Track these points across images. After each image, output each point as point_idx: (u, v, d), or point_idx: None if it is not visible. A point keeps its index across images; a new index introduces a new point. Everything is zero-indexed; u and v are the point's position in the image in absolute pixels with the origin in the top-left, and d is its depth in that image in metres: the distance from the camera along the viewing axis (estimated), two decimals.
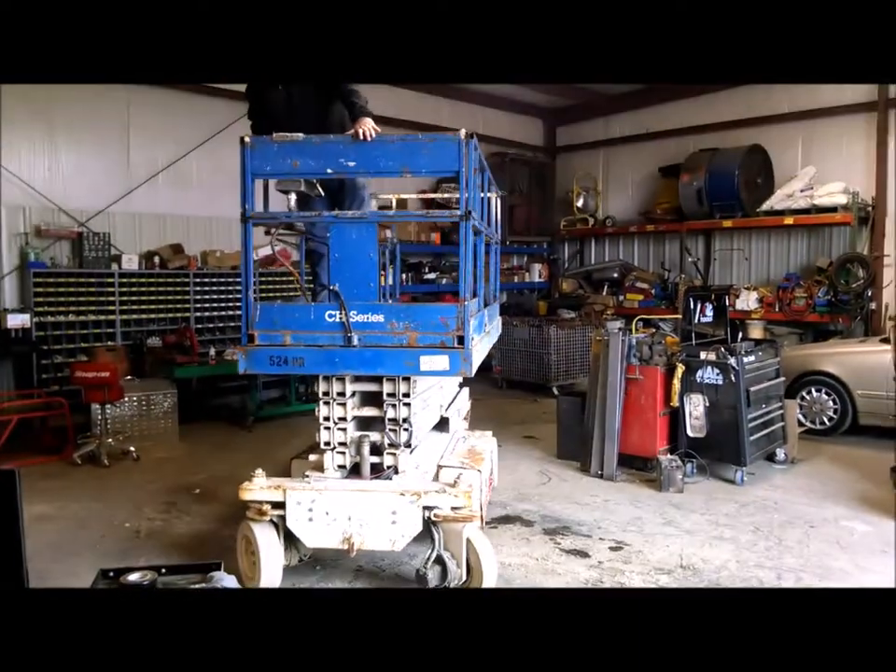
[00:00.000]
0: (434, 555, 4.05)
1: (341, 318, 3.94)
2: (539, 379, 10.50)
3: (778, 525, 5.45)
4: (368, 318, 3.96)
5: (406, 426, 4.21)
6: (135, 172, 9.71)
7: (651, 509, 5.80)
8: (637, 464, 6.74)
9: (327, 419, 4.19)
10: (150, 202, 9.79)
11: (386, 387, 4.17)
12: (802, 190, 10.48)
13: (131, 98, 9.53)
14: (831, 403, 8.00)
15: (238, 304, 9.77)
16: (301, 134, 3.90)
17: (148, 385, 8.26)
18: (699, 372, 6.50)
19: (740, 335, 7.85)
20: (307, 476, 4.22)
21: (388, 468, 4.24)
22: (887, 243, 10.18)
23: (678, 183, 11.62)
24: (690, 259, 11.90)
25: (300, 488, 4.06)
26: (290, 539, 4.21)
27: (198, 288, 9.52)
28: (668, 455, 6.46)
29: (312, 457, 4.45)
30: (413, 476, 4.29)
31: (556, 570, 4.65)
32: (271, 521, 4.11)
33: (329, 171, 4.00)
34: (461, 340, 3.92)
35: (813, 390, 8.10)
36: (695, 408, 6.52)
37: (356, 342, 3.93)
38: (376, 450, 4.28)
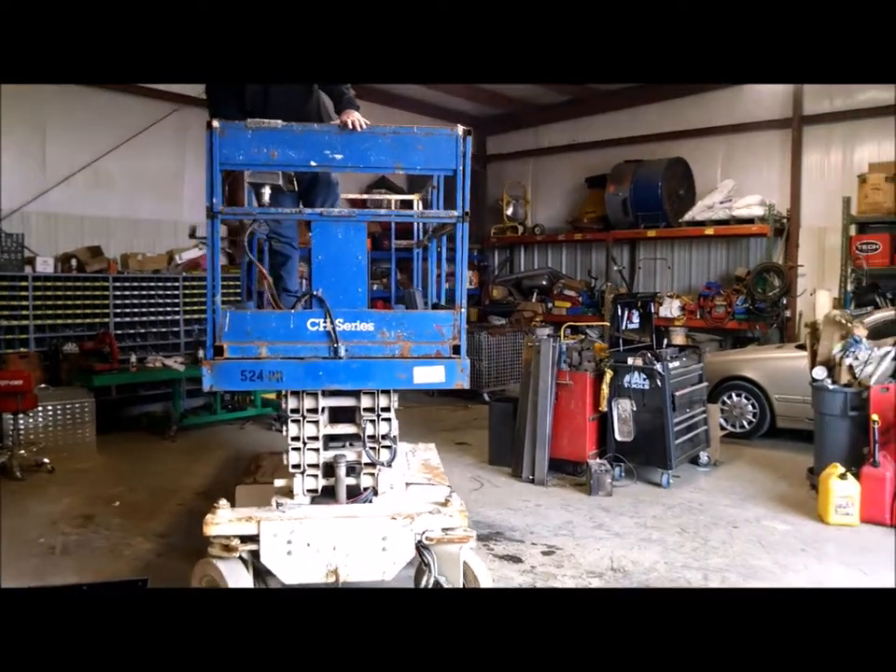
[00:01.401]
0: (431, 581, 3.76)
1: (326, 327, 3.59)
2: (471, 385, 10.51)
3: (703, 526, 5.59)
4: (356, 327, 3.63)
5: (387, 442, 3.86)
6: (52, 171, 9.30)
7: (582, 513, 5.87)
8: (567, 468, 6.82)
9: (296, 439, 3.76)
10: (68, 202, 9.40)
11: (365, 401, 3.82)
12: (721, 202, 10.86)
13: (48, 96, 9.13)
14: (750, 407, 8.29)
15: (162, 310, 9.49)
16: (279, 122, 3.52)
17: (64, 393, 7.87)
18: (627, 378, 6.63)
19: (665, 341, 8.05)
20: (280, 504, 3.77)
21: (365, 489, 3.90)
22: (800, 253, 10.65)
23: (604, 193, 11.88)
24: (616, 268, 12.17)
25: (276, 518, 3.62)
26: (259, 577, 3.80)
27: (118, 293, 9.13)
28: (598, 460, 6.56)
29: (278, 482, 3.95)
30: (394, 497, 3.99)
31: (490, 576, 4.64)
32: (240, 557, 3.64)
33: (312, 164, 3.62)
34: (457, 349, 3.69)
35: (733, 395, 8.38)
36: (623, 412, 6.64)
37: (343, 353, 3.59)
38: (348, 471, 3.93)
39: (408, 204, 6.13)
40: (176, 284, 9.62)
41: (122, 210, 9.78)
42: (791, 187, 10.74)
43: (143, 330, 9.43)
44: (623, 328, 7.35)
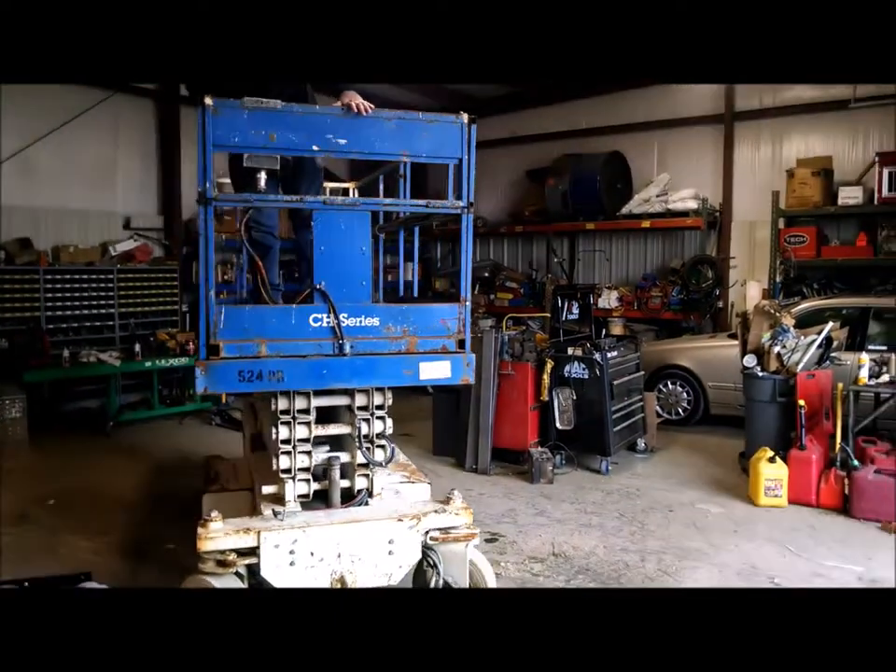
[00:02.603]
0: (441, 582, 3.64)
1: (329, 323, 3.39)
2: None
3: (641, 510, 5.76)
4: (360, 322, 3.45)
5: (382, 441, 3.70)
6: None
7: (524, 500, 5.97)
8: (509, 457, 6.92)
9: (287, 441, 3.52)
10: None
11: (359, 399, 3.63)
12: (657, 196, 11.10)
13: None
14: (685, 395, 8.55)
15: (96, 304, 9.23)
16: (279, 102, 3.28)
17: None
18: (567, 367, 6.76)
19: (603, 332, 8.23)
20: (278, 512, 3.51)
21: (359, 492, 3.72)
22: (732, 246, 10.99)
23: (544, 186, 12.02)
24: (556, 260, 12.34)
25: (276, 528, 3.39)
26: None
27: (49, 286, 8.83)
28: (539, 448, 6.68)
29: (266, 489, 3.66)
30: (389, 499, 3.83)
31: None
32: (236, 573, 3.40)
33: (315, 148, 3.37)
34: (462, 343, 3.60)
35: (669, 383, 8.63)
36: (564, 402, 6.77)
37: (348, 350, 3.40)
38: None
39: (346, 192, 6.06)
40: (111, 276, 9.36)
41: (52, 200, 9.45)
42: (723, 181, 11.05)
43: (76, 324, 9.16)
44: (564, 319, 7.49)
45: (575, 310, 7.68)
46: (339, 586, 3.42)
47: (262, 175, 3.50)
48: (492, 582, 3.83)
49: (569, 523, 5.47)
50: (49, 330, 8.62)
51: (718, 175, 11.11)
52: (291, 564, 3.38)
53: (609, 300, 11.40)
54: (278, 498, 3.60)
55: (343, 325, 3.40)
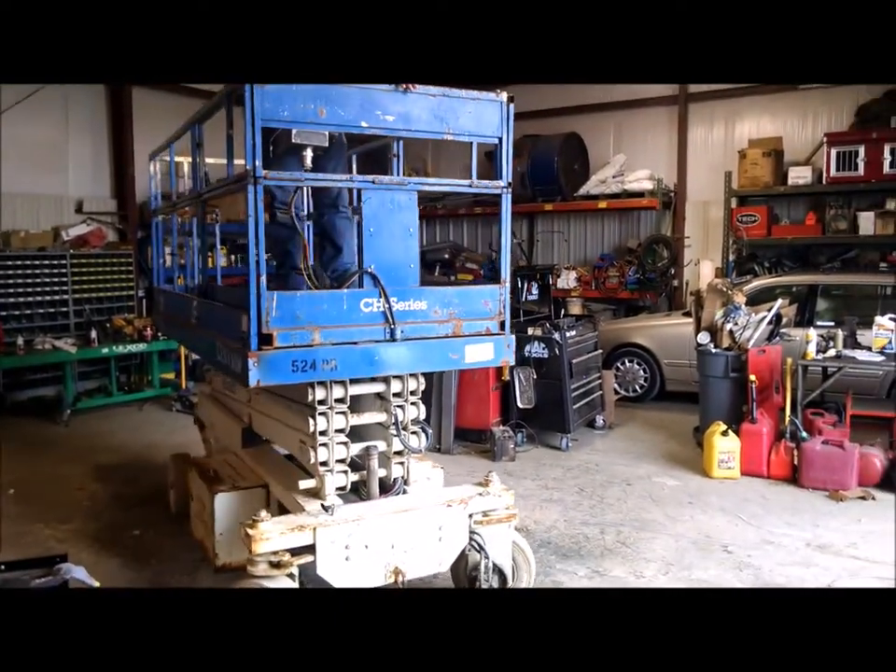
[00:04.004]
0: (490, 563, 3.60)
1: (380, 308, 3.28)
2: None
3: (600, 484, 5.92)
4: (409, 306, 3.34)
5: (416, 427, 3.62)
6: None
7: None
8: (472, 437, 7.02)
9: (324, 433, 3.38)
10: None
11: (395, 386, 3.54)
12: (614, 177, 11.24)
13: None
14: (642, 372, 8.74)
15: (49, 290, 9.04)
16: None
17: None
18: (527, 347, 6.86)
19: (562, 312, 8.35)
20: (328, 507, 3.37)
21: (395, 480, 3.63)
22: (686, 225, 11.21)
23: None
24: (515, 241, 12.42)
25: (331, 523, 3.26)
26: None
27: (0, 272, 8.65)
28: (501, 427, 6.79)
29: (304, 483, 3.50)
30: (426, 485, 3.78)
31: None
32: (289, 574, 3.23)
33: (363, 124, 3.17)
34: (503, 325, 3.58)
35: (626, 361, 8.81)
36: (524, 381, 6.88)
37: (399, 335, 3.31)
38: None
39: None
40: (64, 262, 9.17)
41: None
42: (677, 162, 11.24)
43: (29, 311, 8.96)
44: (523, 299, 7.59)
45: (534, 290, 7.78)
46: (393, 578, 3.36)
47: (309, 153, 3.40)
48: (533, 562, 3.87)
49: (531, 498, 5.59)
50: (1, 318, 8.44)
51: (672, 155, 11.30)
52: (347, 559, 3.28)
53: (567, 280, 11.54)
54: (315, 493, 3.48)
55: (394, 309, 3.30)
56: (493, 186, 3.60)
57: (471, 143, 3.53)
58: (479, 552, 3.61)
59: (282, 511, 3.71)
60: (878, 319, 6.32)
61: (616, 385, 8.45)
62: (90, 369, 9.10)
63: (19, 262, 8.79)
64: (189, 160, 4.77)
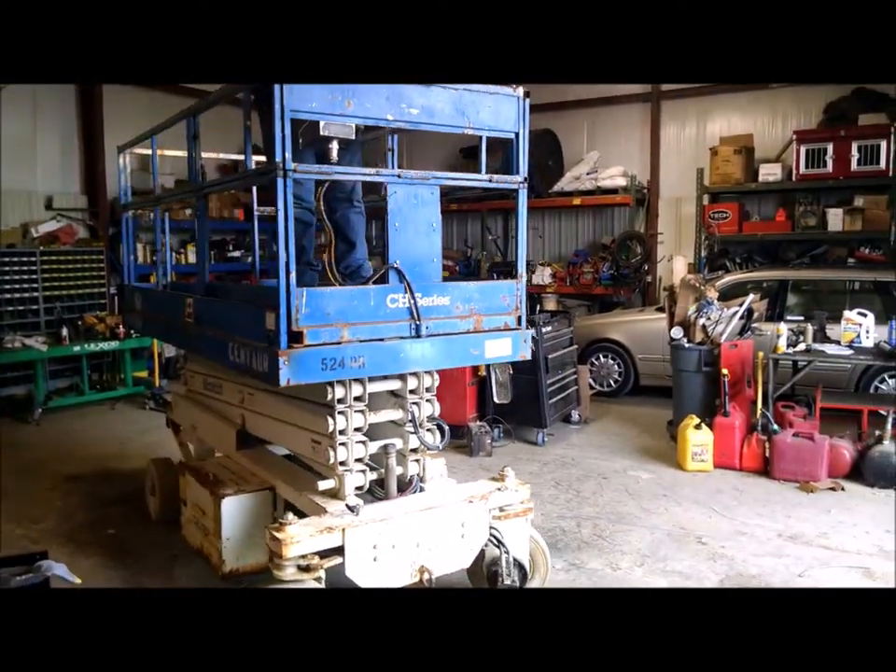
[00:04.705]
0: (511, 558, 3.60)
1: (406, 304, 3.25)
2: None
3: (576, 478, 5.97)
4: (433, 302, 3.33)
5: (431, 424, 3.62)
6: None
7: (464, 473, 6.10)
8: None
9: (342, 432, 3.35)
10: None
11: (411, 383, 3.53)
12: (588, 173, 11.31)
13: None
14: (616, 367, 8.83)
15: (18, 287, 8.87)
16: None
17: None
18: None
19: (537, 307, 8.40)
20: (352, 507, 3.32)
21: (411, 478, 3.62)
22: (659, 222, 11.32)
23: (477, 164, 12.08)
24: (490, 237, 12.48)
25: (358, 524, 3.22)
26: None
27: None
28: (477, 422, 6.82)
29: (323, 484, 3.44)
30: (441, 482, 3.77)
31: None
32: (317, 578, 3.18)
33: (389, 117, 3.14)
34: (520, 320, 3.61)
35: (601, 356, 8.89)
36: (501, 376, 6.91)
37: (424, 331, 3.29)
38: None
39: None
40: (34, 259, 9.01)
41: None
42: (650, 159, 11.35)
43: None
44: None
45: None
46: (419, 577, 3.34)
47: (334, 146, 3.36)
48: (548, 555, 3.89)
49: None
50: None
51: (645, 152, 11.41)
52: (374, 559, 3.24)
53: (542, 276, 11.59)
54: (333, 493, 3.44)
55: (418, 305, 3.29)
56: (510, 181, 3.64)
57: (481, 137, 3.53)
58: (498, 546, 3.61)
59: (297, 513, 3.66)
60: (847, 314, 6.46)
61: (591, 380, 8.51)
62: (61, 367, 8.97)
63: None
64: (162, 153, 4.72)
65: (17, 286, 8.88)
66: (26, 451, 6.88)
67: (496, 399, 6.94)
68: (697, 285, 6.98)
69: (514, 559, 3.64)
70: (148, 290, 5.28)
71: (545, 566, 3.87)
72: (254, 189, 5.32)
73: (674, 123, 11.28)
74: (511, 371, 6.87)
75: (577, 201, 11.36)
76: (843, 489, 5.58)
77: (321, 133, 3.23)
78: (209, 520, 3.92)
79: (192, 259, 10.60)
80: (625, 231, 11.36)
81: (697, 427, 6.11)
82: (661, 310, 8.31)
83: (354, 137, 3.34)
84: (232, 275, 11.05)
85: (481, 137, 3.53)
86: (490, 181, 3.63)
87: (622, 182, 11.04)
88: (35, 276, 9.02)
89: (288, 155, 2.88)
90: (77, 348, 8.37)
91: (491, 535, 3.60)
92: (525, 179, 3.60)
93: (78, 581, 3.91)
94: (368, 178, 3.55)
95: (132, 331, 8.37)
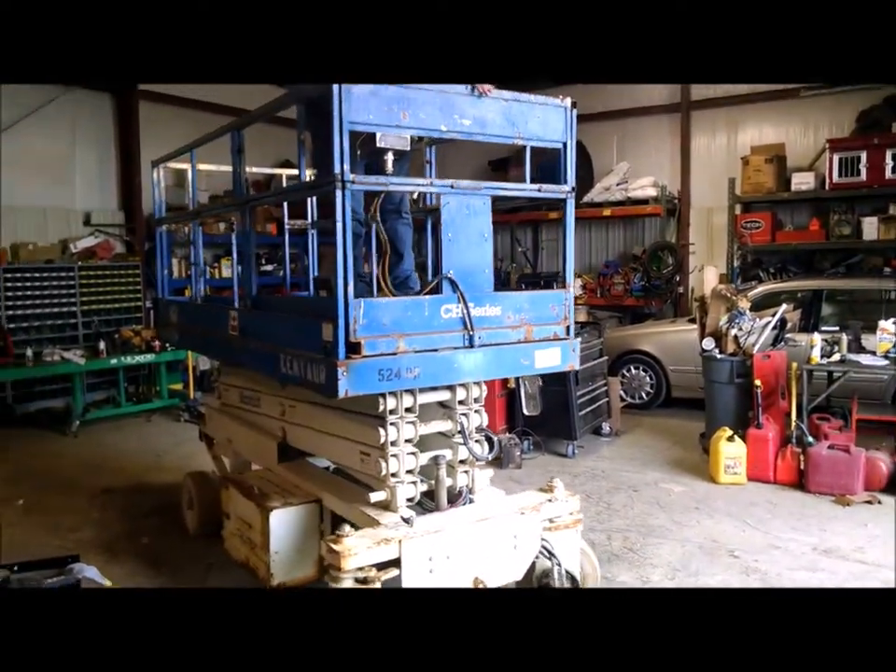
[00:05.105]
0: (563, 570, 3.58)
1: (459, 314, 3.27)
2: None
3: (606, 491, 5.93)
4: (485, 312, 3.35)
5: (479, 436, 3.61)
6: None
7: (494, 485, 6.07)
8: None
9: (394, 444, 3.34)
10: None
11: (460, 393, 3.53)
12: (617, 184, 11.28)
13: None
14: (648, 379, 8.75)
15: (57, 301, 9.11)
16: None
17: None
18: None
19: None
20: (407, 518, 3.31)
21: (460, 490, 3.59)
22: (690, 232, 11.24)
23: (506, 176, 12.12)
24: (520, 249, 12.48)
25: (414, 536, 3.20)
26: None
27: (10, 284, 8.72)
28: (507, 434, 6.81)
29: (375, 496, 3.43)
30: (489, 493, 3.75)
31: None
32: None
33: (443, 128, 3.18)
34: (569, 330, 3.63)
35: (632, 368, 8.83)
36: (530, 388, 6.91)
37: (477, 341, 3.30)
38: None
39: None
40: (72, 274, 9.26)
41: (8, 198, 9.29)
42: (681, 169, 11.28)
43: (38, 323, 9.05)
44: None
45: None
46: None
47: (390, 157, 3.37)
48: (598, 566, 3.88)
49: None
50: (9, 330, 8.51)
51: (676, 162, 11.35)
52: (430, 571, 3.21)
53: (574, 287, 11.55)
54: (385, 505, 3.43)
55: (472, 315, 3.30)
56: (558, 190, 3.68)
57: (525, 147, 3.54)
58: (549, 558, 3.58)
59: (335, 525, 3.63)
60: (882, 323, 6.33)
61: (622, 392, 8.45)
62: (98, 380, 9.18)
63: (27, 275, 8.88)
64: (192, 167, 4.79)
65: (56, 300, 9.13)
66: (64, 462, 7.03)
67: (525, 411, 6.93)
68: (729, 295, 6.92)
69: (566, 571, 3.61)
70: (186, 304, 5.34)
71: (594, 577, 3.84)
72: (284, 204, 5.38)
73: (704, 133, 11.20)
74: (541, 383, 6.86)
75: (607, 211, 11.32)
76: (879, 502, 5.47)
77: (378, 144, 3.23)
78: (256, 533, 3.88)
79: (226, 273, 10.78)
80: (656, 241, 11.29)
81: (730, 439, 6.04)
82: (693, 321, 8.24)
83: (408, 148, 3.36)
84: (266, 289, 11.18)
85: (525, 148, 3.55)
86: (539, 191, 3.66)
87: (652, 192, 10.99)
88: (73, 291, 9.27)
89: (347, 167, 2.90)
90: (113, 361, 8.54)
91: (542, 546, 3.58)
92: (573, 189, 3.63)
93: (109, 583, 3.99)
94: (423, 189, 3.57)
95: (167, 345, 8.52)
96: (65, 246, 9.58)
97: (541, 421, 6.92)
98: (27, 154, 9.21)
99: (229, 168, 5.26)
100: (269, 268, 11.53)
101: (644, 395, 8.79)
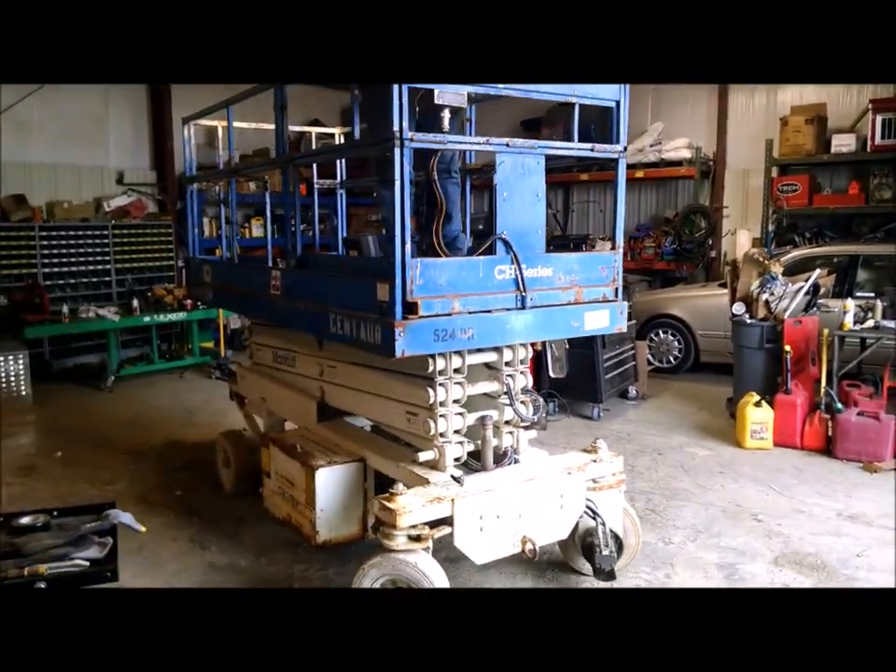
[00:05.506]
0: (608, 529, 3.63)
1: (512, 275, 3.26)
2: None
3: (631, 454, 5.94)
4: (537, 273, 3.34)
5: (524, 397, 3.62)
6: None
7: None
8: None
9: (442, 404, 3.36)
10: None
11: (506, 355, 3.55)
12: (651, 145, 11.07)
13: None
14: (676, 343, 8.70)
15: (92, 259, 9.28)
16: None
17: None
18: None
19: None
20: (457, 478, 3.34)
21: (506, 450, 3.63)
22: (725, 195, 11.02)
23: (539, 137, 11.97)
24: (550, 211, 12.35)
25: (466, 495, 3.24)
26: None
27: (45, 242, 8.89)
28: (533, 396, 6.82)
29: (423, 455, 3.45)
30: (533, 453, 3.77)
31: None
32: (425, 548, 3.19)
33: (500, 86, 3.17)
34: (617, 291, 3.62)
35: (661, 332, 8.77)
36: (557, 350, 6.89)
37: (529, 302, 3.30)
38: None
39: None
40: (106, 232, 9.41)
41: (44, 156, 9.43)
42: (717, 130, 11.01)
43: (73, 280, 9.25)
44: None
45: None
46: (522, 547, 3.35)
47: (447, 114, 3.33)
48: (640, 526, 3.91)
49: None
50: (46, 287, 8.69)
51: (712, 123, 11.07)
52: (481, 530, 3.25)
53: (602, 250, 11.44)
54: (432, 465, 3.46)
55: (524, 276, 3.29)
56: (611, 150, 3.64)
57: (574, 105, 3.52)
58: (593, 518, 3.63)
59: (378, 484, 3.75)
60: None
61: (650, 356, 8.41)
62: (132, 337, 9.37)
63: (63, 233, 9.05)
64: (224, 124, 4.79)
65: (90, 258, 9.30)
66: (99, 416, 7.22)
67: (551, 374, 6.91)
68: (761, 259, 6.81)
69: (611, 530, 3.66)
70: (220, 262, 5.34)
71: (636, 536, 3.87)
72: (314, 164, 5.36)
73: (742, 92, 10.89)
74: (567, 346, 6.84)
75: (640, 173, 11.11)
76: None
77: (436, 101, 3.16)
78: (299, 491, 3.90)
79: (256, 232, 10.85)
80: (689, 204, 11.10)
81: (757, 404, 6.00)
82: (723, 285, 8.13)
83: (465, 105, 3.31)
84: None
85: (573, 106, 3.52)
86: (592, 150, 3.61)
87: (686, 154, 10.76)
88: (107, 249, 9.43)
89: (405, 124, 2.86)
90: (147, 319, 8.70)
91: (586, 506, 3.62)
92: (625, 148, 3.60)
93: (143, 529, 4.13)
94: (479, 148, 3.53)
95: (198, 303, 8.65)
96: (99, 205, 9.72)
97: (567, 383, 6.91)
98: (62, 114, 9.31)
99: (260, 126, 5.31)
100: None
101: (672, 359, 8.74)
